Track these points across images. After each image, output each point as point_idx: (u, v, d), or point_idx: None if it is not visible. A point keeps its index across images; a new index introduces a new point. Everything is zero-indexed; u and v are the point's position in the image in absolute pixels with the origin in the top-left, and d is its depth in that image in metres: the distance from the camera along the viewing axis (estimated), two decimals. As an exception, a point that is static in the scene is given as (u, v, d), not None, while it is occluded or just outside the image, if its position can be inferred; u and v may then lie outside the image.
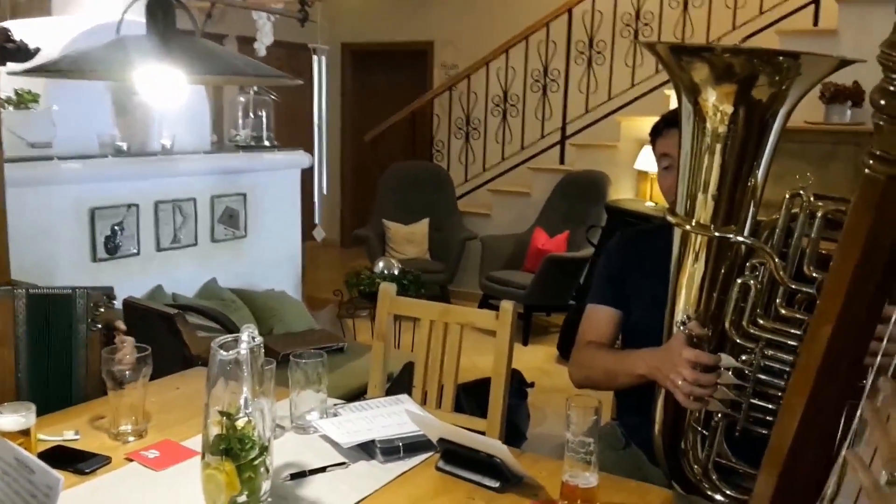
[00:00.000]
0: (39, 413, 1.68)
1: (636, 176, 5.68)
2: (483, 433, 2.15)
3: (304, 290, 3.81)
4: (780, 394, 1.55)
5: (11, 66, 2.21)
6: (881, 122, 0.93)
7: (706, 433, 1.63)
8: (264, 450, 1.25)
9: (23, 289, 1.82)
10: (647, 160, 5.41)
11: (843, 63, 1.46)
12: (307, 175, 3.88)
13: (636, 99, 5.66)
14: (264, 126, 3.52)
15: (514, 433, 3.25)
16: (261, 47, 3.82)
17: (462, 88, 6.51)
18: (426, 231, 6.10)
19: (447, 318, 2.25)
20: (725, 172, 1.57)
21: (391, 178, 6.29)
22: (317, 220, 3.65)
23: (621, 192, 5.67)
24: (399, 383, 2.89)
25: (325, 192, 3.56)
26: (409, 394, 3.04)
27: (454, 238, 5.98)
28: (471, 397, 2.80)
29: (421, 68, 7.68)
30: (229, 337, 1.30)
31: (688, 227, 1.60)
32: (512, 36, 6.02)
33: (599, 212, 5.37)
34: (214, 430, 1.23)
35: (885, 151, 0.92)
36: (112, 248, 2.84)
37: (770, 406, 1.56)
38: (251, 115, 3.53)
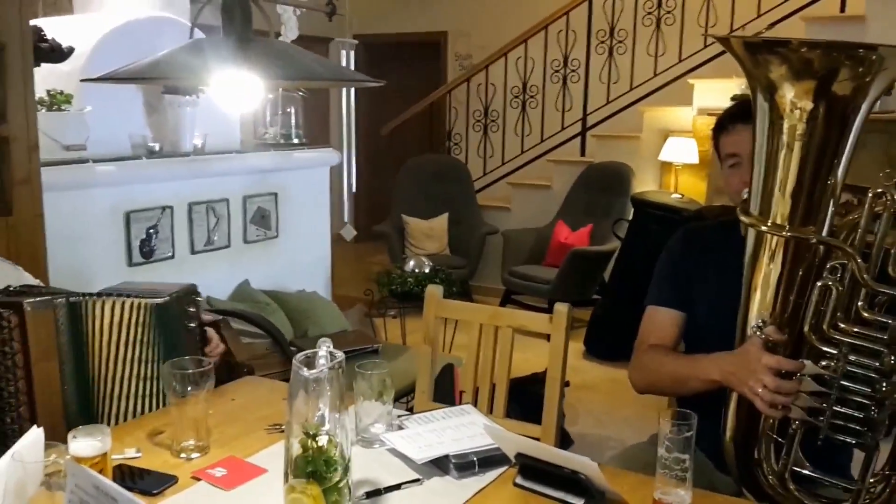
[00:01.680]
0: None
1: (660, 167, 5.61)
2: (538, 439, 2.11)
3: (333, 289, 3.76)
4: (862, 400, 1.50)
5: (49, 67, 2.16)
6: None
7: (782, 440, 1.58)
8: (347, 470, 1.21)
9: (63, 298, 1.75)
10: (671, 151, 5.35)
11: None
12: (334, 172, 3.83)
13: (659, 88, 5.59)
14: (293, 123, 3.47)
15: (562, 436, 3.21)
16: (287, 40, 3.76)
17: (479, 80, 6.44)
18: (445, 226, 6.05)
19: (497, 321, 2.20)
20: (804, 171, 1.51)
21: (409, 172, 6.24)
22: (346, 219, 3.60)
23: (645, 185, 5.61)
24: (440, 386, 2.84)
25: (353, 189, 3.50)
26: (452, 396, 3.01)
27: (474, 233, 5.93)
28: (511, 399, 2.75)
29: (435, 60, 7.61)
30: (307, 352, 1.25)
31: (763, 227, 1.55)
32: (530, 26, 5.95)
33: (623, 204, 5.31)
34: (296, 450, 1.18)
35: None
36: (147, 252, 2.80)
37: (852, 413, 1.51)
38: (279, 112, 3.48)
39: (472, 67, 6.54)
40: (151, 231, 2.78)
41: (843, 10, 4.83)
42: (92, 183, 2.59)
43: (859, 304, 1.52)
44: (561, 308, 2.09)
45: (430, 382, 2.32)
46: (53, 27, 2.79)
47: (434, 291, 2.31)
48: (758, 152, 1.57)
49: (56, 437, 1.45)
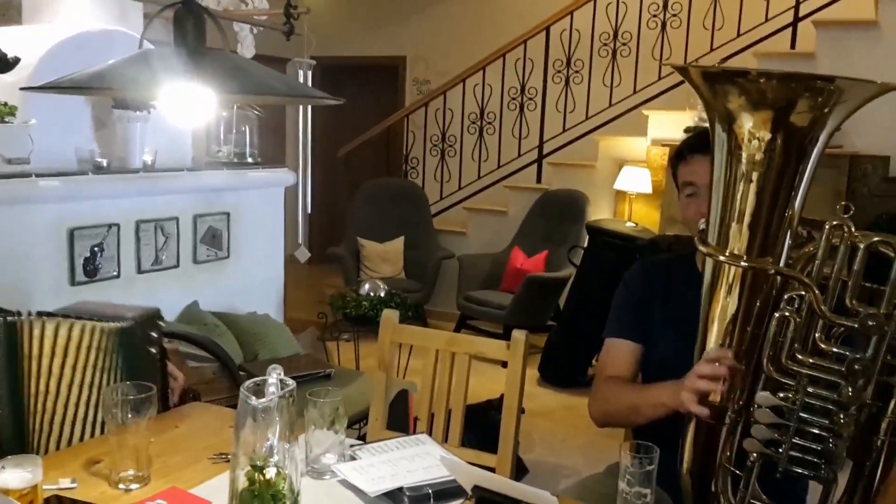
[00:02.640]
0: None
1: (615, 196, 5.66)
2: (493, 469, 2.07)
3: (285, 312, 3.68)
4: (819, 432, 1.49)
5: (12, 80, 2.08)
6: None
7: (739, 473, 1.57)
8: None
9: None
10: (626, 180, 5.40)
11: (887, 88, 1.43)
12: (289, 193, 3.77)
13: (614, 118, 5.65)
14: (247, 142, 3.40)
15: (518, 465, 3.16)
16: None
17: (438, 105, 6.44)
18: (401, 249, 6.01)
19: (454, 347, 2.17)
20: (762, 201, 1.52)
21: (365, 194, 6.19)
22: (300, 240, 3.53)
23: (600, 212, 5.65)
24: (394, 412, 2.78)
25: (308, 210, 3.44)
26: (406, 423, 2.96)
27: (430, 257, 5.90)
28: (466, 426, 2.71)
29: (392, 84, 7.61)
30: (256, 380, 1.19)
31: (721, 257, 1.54)
32: (488, 53, 5.98)
33: (579, 231, 5.34)
34: (242, 482, 1.12)
35: None
36: (91, 271, 2.69)
37: (810, 445, 1.51)
38: (233, 130, 3.41)
39: (430, 92, 6.54)
40: (96, 249, 2.67)
41: (793, 46, 4.96)
42: (34, 198, 2.48)
43: (816, 335, 1.52)
44: (518, 335, 2.06)
45: (384, 409, 2.27)
46: (8, 37, 2.70)
47: (390, 316, 2.27)
48: (716, 183, 1.57)
49: None
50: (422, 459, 1.53)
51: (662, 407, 1.63)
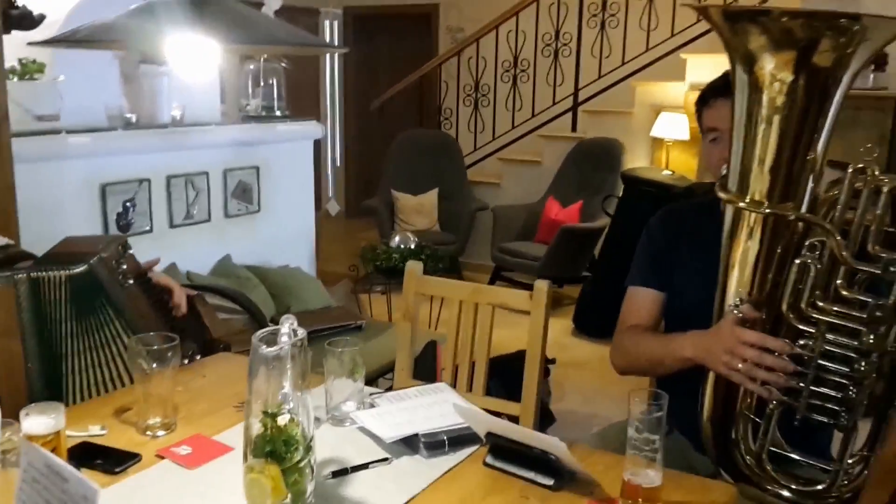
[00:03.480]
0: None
1: (651, 143, 5.56)
2: (517, 418, 2.09)
3: (318, 265, 3.72)
4: (840, 380, 1.48)
5: (22, 35, 2.11)
6: None
7: (759, 421, 1.56)
8: (309, 450, 1.18)
9: (23, 272, 1.71)
10: (663, 127, 5.30)
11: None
12: (317, 146, 3.77)
13: (651, 63, 5.52)
14: (275, 95, 3.40)
15: (544, 414, 3.19)
16: (269, 13, 3.69)
17: (470, 53, 6.35)
18: (435, 201, 6.00)
19: (478, 298, 2.17)
20: (783, 145, 1.48)
21: (399, 147, 6.17)
22: (330, 193, 3.55)
23: (636, 161, 5.56)
24: (422, 363, 2.82)
25: (338, 163, 3.45)
26: (434, 374, 2.99)
27: (464, 209, 5.88)
28: (494, 376, 2.73)
29: (426, 32, 7.52)
30: (268, 329, 1.22)
31: (741, 203, 1.52)
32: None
33: (614, 181, 5.26)
34: (256, 430, 1.15)
35: None
36: (124, 226, 2.75)
37: (830, 393, 1.49)
38: (261, 83, 3.42)
39: (462, 41, 6.45)
40: (128, 204, 2.73)
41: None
42: (65, 154, 2.53)
43: (838, 282, 1.49)
44: (541, 285, 2.06)
45: (409, 359, 2.30)
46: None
47: (414, 268, 2.28)
48: (736, 127, 1.53)
49: (12, 414, 1.43)
50: (439, 407, 1.55)
51: (686, 361, 1.62)
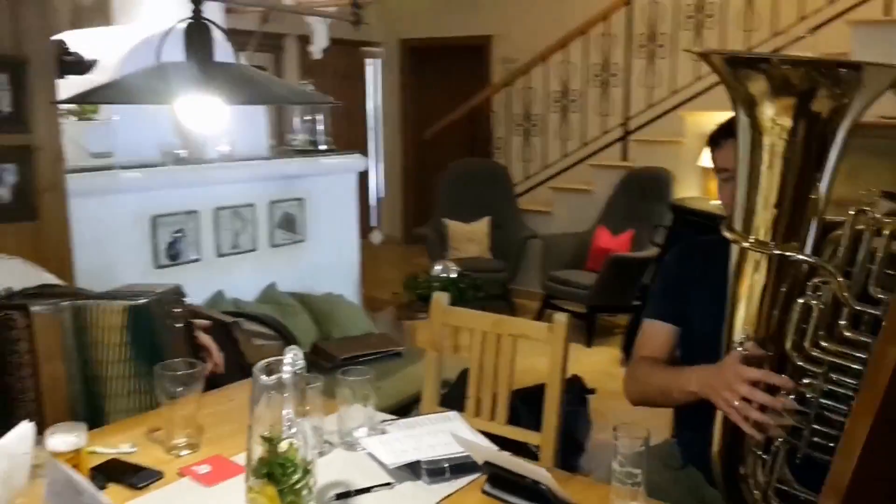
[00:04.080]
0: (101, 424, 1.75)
1: (701, 173, 5.53)
2: (537, 447, 2.13)
3: (363, 292, 3.83)
4: (844, 420, 1.48)
5: (98, 80, 2.27)
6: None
7: (767, 457, 1.58)
8: (307, 473, 1.25)
9: (68, 303, 1.85)
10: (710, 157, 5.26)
11: (912, 72, 1.39)
12: (365, 176, 3.89)
13: (701, 93, 5.50)
14: (320, 130, 3.54)
15: (571, 446, 3.19)
16: (316, 50, 3.86)
17: (521, 84, 6.44)
18: (486, 229, 6.07)
19: (500, 329, 2.23)
20: (785, 187, 1.51)
21: (450, 175, 6.28)
22: (374, 223, 3.66)
23: (686, 190, 5.53)
24: (457, 390, 2.87)
25: (381, 194, 3.56)
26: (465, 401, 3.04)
27: (515, 236, 5.94)
28: (526, 405, 2.76)
29: (480, 63, 7.64)
30: (271, 359, 1.30)
31: (745, 243, 1.54)
32: (570, 30, 5.93)
33: (663, 210, 5.25)
34: (258, 452, 1.24)
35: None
36: (174, 255, 2.91)
37: (834, 432, 1.50)
38: (308, 118, 3.56)
39: (512, 72, 6.55)
40: (178, 234, 2.89)
41: (887, 13, 4.69)
42: (118, 189, 2.70)
43: (842, 323, 1.50)
44: (560, 318, 2.11)
45: (435, 388, 2.36)
46: (84, 39, 2.92)
47: (439, 298, 2.35)
48: (740, 168, 1.57)
49: None
50: (445, 435, 1.61)
51: (691, 394, 1.64)
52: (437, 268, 3.67)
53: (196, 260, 2.99)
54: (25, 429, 1.32)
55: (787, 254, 1.50)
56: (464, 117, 6.66)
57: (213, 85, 1.16)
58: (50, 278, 2.02)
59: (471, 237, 6.05)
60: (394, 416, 1.83)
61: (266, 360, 1.30)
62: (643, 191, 5.58)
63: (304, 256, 3.44)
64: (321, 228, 3.47)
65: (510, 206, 6.17)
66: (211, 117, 1.34)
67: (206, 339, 1.91)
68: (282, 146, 3.58)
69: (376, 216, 3.62)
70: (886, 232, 1.45)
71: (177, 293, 1.89)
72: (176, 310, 1.84)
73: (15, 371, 1.81)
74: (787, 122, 1.46)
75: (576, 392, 3.53)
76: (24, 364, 1.81)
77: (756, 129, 1.51)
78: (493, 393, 2.24)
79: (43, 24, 2.23)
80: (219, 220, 3.05)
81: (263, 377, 1.24)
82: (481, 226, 6.08)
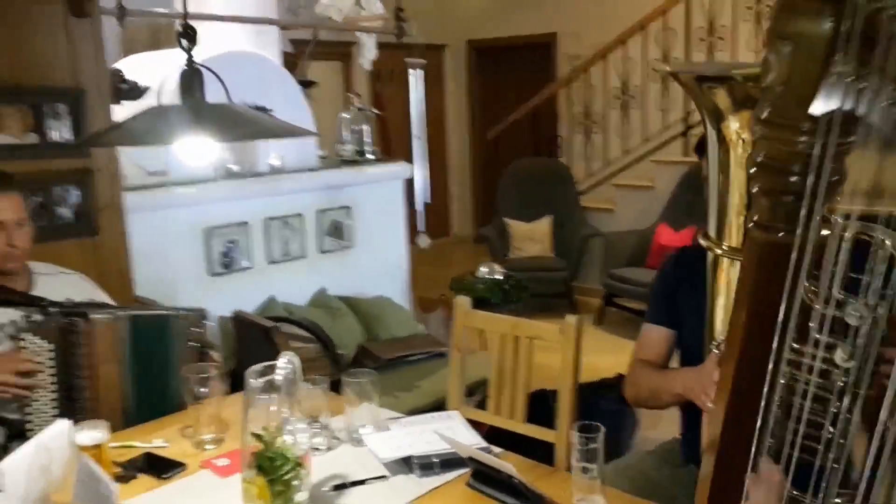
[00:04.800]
0: (141, 421, 1.97)
1: (763, 166, 5.45)
2: (552, 444, 2.24)
3: (416, 293, 3.99)
4: (819, 420, 1.54)
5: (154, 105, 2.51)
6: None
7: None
8: (296, 466, 1.41)
9: (123, 311, 2.10)
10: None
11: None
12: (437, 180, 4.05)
13: (761, 86, 5.41)
14: (366, 140, 3.72)
15: (614, 444, 3.24)
16: (365, 62, 4.05)
17: (581, 82, 6.47)
18: (548, 228, 6.14)
19: (516, 331, 2.34)
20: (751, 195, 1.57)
21: (512, 175, 6.38)
22: (421, 228, 3.83)
23: (747, 184, 5.45)
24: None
25: (428, 200, 3.72)
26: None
27: (576, 235, 5.99)
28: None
29: (545, 62, 7.70)
30: (265, 364, 1.47)
31: (718, 251, 1.62)
32: (629, 26, 5.94)
33: (722, 205, 5.20)
34: (250, 447, 1.40)
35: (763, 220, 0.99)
36: (227, 263, 3.14)
37: (810, 431, 1.55)
38: (356, 129, 3.75)
39: (572, 71, 6.59)
40: (230, 244, 3.12)
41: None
42: (173, 203, 2.95)
43: (811, 325, 1.56)
44: (570, 320, 2.20)
45: (459, 387, 2.50)
46: (141, 64, 3.19)
47: (461, 302, 2.49)
48: (711, 177, 1.64)
49: (114, 429, 1.80)
50: (444, 433, 1.75)
51: (677, 396, 1.73)
52: (483, 269, 3.80)
53: (248, 268, 3.21)
54: (62, 425, 1.53)
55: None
56: (528, 116, 6.74)
57: (205, 125, 1.33)
58: (102, 295, 2.26)
59: (531, 236, 6.13)
60: (400, 415, 1.98)
61: (261, 365, 1.46)
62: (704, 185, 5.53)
63: (352, 261, 3.63)
64: (369, 234, 3.65)
65: (572, 204, 6.22)
66: (204, 151, 1.52)
67: (216, 356, 2.13)
68: (332, 157, 3.78)
69: (421, 222, 3.77)
70: (848, 235, 1.50)
71: (201, 315, 2.12)
72: (197, 330, 2.06)
73: (76, 371, 2.06)
74: (748, 135, 1.54)
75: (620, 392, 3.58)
76: (84, 365, 2.06)
77: (722, 141, 1.59)
78: (511, 392, 2.36)
79: (98, 55, 2.48)
80: (269, 229, 3.26)
81: (253, 381, 1.41)
82: (543, 225, 6.15)
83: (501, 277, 3.77)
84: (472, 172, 8.54)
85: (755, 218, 1.02)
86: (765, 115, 0.96)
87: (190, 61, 1.40)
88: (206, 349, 2.21)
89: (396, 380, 3.08)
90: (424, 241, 3.79)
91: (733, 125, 1.55)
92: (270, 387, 1.44)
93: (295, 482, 1.42)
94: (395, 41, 3.26)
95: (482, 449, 1.67)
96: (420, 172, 3.64)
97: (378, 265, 3.71)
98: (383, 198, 3.71)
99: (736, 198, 1.60)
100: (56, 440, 1.50)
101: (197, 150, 1.50)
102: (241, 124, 1.42)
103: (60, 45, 2.46)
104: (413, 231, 3.86)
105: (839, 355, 1.53)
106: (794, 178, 1.01)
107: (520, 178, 6.34)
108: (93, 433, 1.47)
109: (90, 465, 1.37)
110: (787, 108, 0.93)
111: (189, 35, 1.41)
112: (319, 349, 2.79)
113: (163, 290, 2.81)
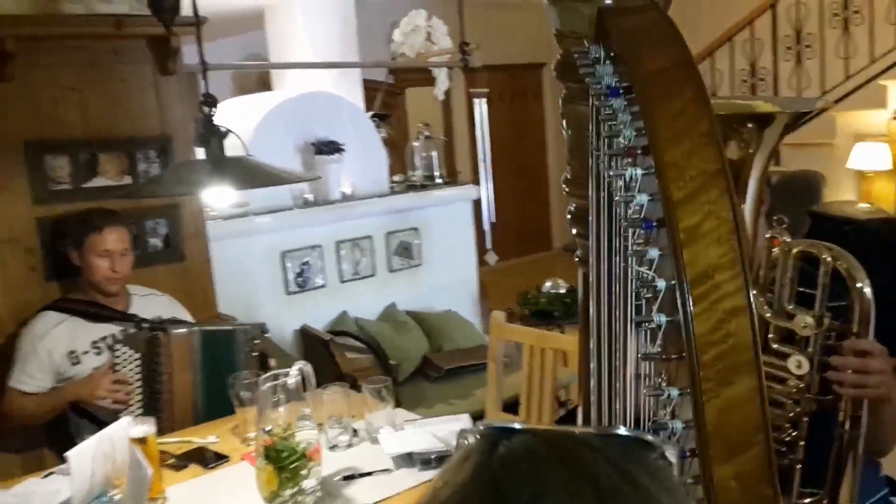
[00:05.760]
0: (209, 419, 2.31)
1: (854, 175, 5.32)
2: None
3: (488, 307, 4.21)
4: (779, 422, 1.66)
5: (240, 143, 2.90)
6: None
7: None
8: (303, 458, 1.68)
9: (197, 327, 2.46)
10: (861, 158, 5.07)
11: (802, 114, 1.57)
12: (498, 201, 4.27)
13: (851, 92, 5.30)
14: (435, 165, 4.00)
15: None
16: (439, 93, 4.33)
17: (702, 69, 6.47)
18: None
19: (543, 343, 2.55)
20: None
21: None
22: (488, 246, 4.06)
23: (840, 194, 5.35)
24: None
25: (493, 220, 3.95)
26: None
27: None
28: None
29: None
30: (278, 371, 1.75)
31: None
32: (717, 36, 5.92)
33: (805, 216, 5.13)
34: (262, 442, 1.69)
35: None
36: (302, 283, 3.49)
37: (783, 437, 1.68)
38: (424, 155, 4.04)
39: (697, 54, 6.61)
40: (304, 266, 3.46)
41: None
42: (252, 231, 3.32)
43: (769, 336, 1.69)
44: (589, 333, 2.38)
45: (496, 395, 2.71)
46: (234, 108, 3.60)
47: (497, 317, 2.71)
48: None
49: (184, 426, 2.16)
50: (446, 433, 1.98)
51: None
52: (547, 284, 3.97)
53: (322, 286, 3.55)
54: (126, 421, 1.87)
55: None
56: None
57: (224, 177, 1.63)
58: (185, 313, 2.64)
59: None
60: (417, 417, 2.22)
61: (273, 373, 1.75)
62: (794, 195, 5.45)
63: (421, 279, 3.90)
64: (437, 253, 3.91)
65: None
66: (224, 196, 1.83)
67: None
68: (403, 182, 4.08)
69: (489, 240, 3.99)
70: (794, 251, 1.63)
71: (262, 330, 2.45)
72: (256, 341, 2.39)
73: (157, 377, 2.43)
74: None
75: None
76: (163, 372, 2.44)
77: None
78: (539, 400, 2.56)
79: (183, 105, 2.87)
80: (340, 251, 3.59)
81: (265, 387, 1.69)
82: (632, 237, 6.21)
83: (564, 291, 3.94)
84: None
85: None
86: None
87: (209, 122, 1.71)
88: (267, 357, 2.53)
89: (455, 388, 3.32)
90: (492, 258, 4.02)
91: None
92: (282, 391, 1.72)
93: (302, 472, 1.69)
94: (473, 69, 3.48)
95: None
96: (486, 194, 3.87)
97: (447, 282, 3.96)
98: (451, 218, 3.96)
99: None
100: (119, 433, 1.84)
101: (219, 195, 1.81)
102: (254, 174, 1.72)
103: (150, 99, 2.87)
104: (482, 249, 4.09)
105: (792, 363, 1.67)
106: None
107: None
108: (143, 427, 1.79)
109: (136, 453, 1.69)
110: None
111: (209, 102, 1.72)
112: (373, 359, 3.07)
113: (244, 308, 3.18)
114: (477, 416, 2.74)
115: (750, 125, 1.64)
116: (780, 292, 1.67)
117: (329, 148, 3.46)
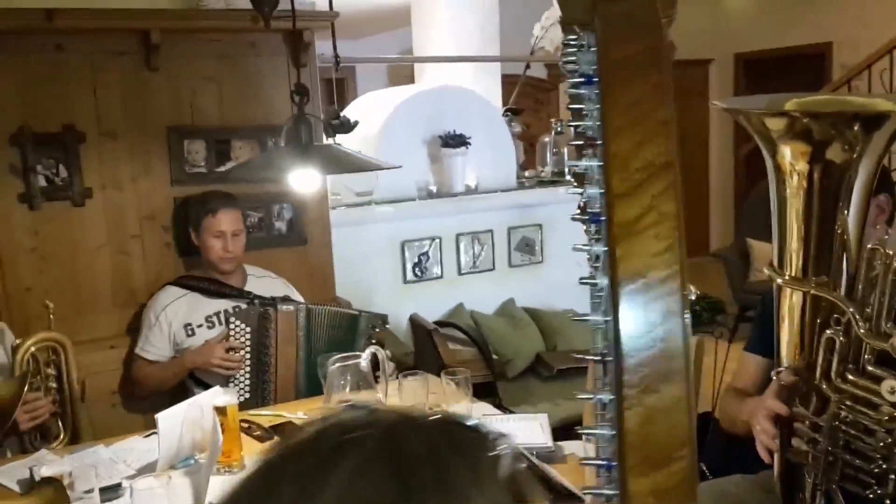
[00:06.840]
0: (309, 396, 2.42)
1: None
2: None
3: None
4: (870, 452, 1.51)
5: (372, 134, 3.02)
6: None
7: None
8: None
9: (303, 305, 2.59)
10: None
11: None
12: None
13: None
14: (565, 161, 3.92)
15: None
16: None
17: (856, 92, 5.98)
18: (794, 250, 5.78)
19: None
20: (809, 228, 1.60)
21: (757, 195, 6.10)
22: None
23: None
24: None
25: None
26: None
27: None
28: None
29: (819, 73, 7.21)
30: (349, 354, 1.80)
31: (780, 280, 1.66)
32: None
33: None
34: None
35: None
36: (419, 273, 3.55)
37: (863, 465, 1.53)
38: (558, 150, 3.98)
39: (833, 83, 6.13)
40: (422, 256, 3.52)
41: None
42: (373, 220, 3.42)
43: (866, 356, 1.54)
44: (689, 341, 2.27)
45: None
46: (374, 100, 3.72)
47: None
48: (772, 208, 1.68)
49: (286, 399, 2.29)
50: (522, 430, 1.95)
51: (746, 423, 1.76)
52: (679, 290, 3.80)
53: (439, 277, 3.59)
54: (215, 390, 1.99)
55: (801, 288, 1.59)
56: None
57: (311, 162, 1.70)
58: (296, 295, 2.78)
59: (777, 258, 5.82)
60: (497, 412, 2.20)
61: (347, 354, 1.80)
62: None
63: (542, 276, 3.85)
64: (560, 251, 3.84)
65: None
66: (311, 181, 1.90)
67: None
68: (534, 177, 4.04)
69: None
70: (895, 266, 1.47)
71: (383, 321, 2.55)
72: (375, 329, 2.54)
73: (266, 350, 2.58)
74: (803, 166, 1.57)
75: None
76: (270, 345, 2.58)
77: (779, 171, 1.62)
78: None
79: (314, 96, 3.00)
80: (459, 243, 3.62)
81: (334, 366, 1.75)
82: (789, 246, 5.81)
83: (693, 298, 3.75)
84: (735, 189, 8.25)
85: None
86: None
87: (301, 111, 1.78)
88: (383, 346, 2.62)
89: (564, 388, 3.26)
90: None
91: (787, 155, 1.59)
92: (352, 374, 1.77)
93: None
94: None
95: (544, 449, 1.85)
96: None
97: (569, 281, 3.87)
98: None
99: (793, 228, 1.63)
100: (207, 401, 1.96)
101: (307, 179, 1.88)
102: (338, 161, 1.77)
103: (283, 90, 3.02)
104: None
105: (886, 387, 1.51)
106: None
107: (766, 198, 6.03)
108: (226, 398, 1.90)
109: (215, 420, 1.80)
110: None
111: (301, 92, 1.79)
112: (476, 352, 3.07)
113: (361, 293, 3.29)
114: (579, 419, 2.67)
115: (857, 126, 1.50)
116: (879, 309, 1.52)
117: (455, 141, 3.50)
